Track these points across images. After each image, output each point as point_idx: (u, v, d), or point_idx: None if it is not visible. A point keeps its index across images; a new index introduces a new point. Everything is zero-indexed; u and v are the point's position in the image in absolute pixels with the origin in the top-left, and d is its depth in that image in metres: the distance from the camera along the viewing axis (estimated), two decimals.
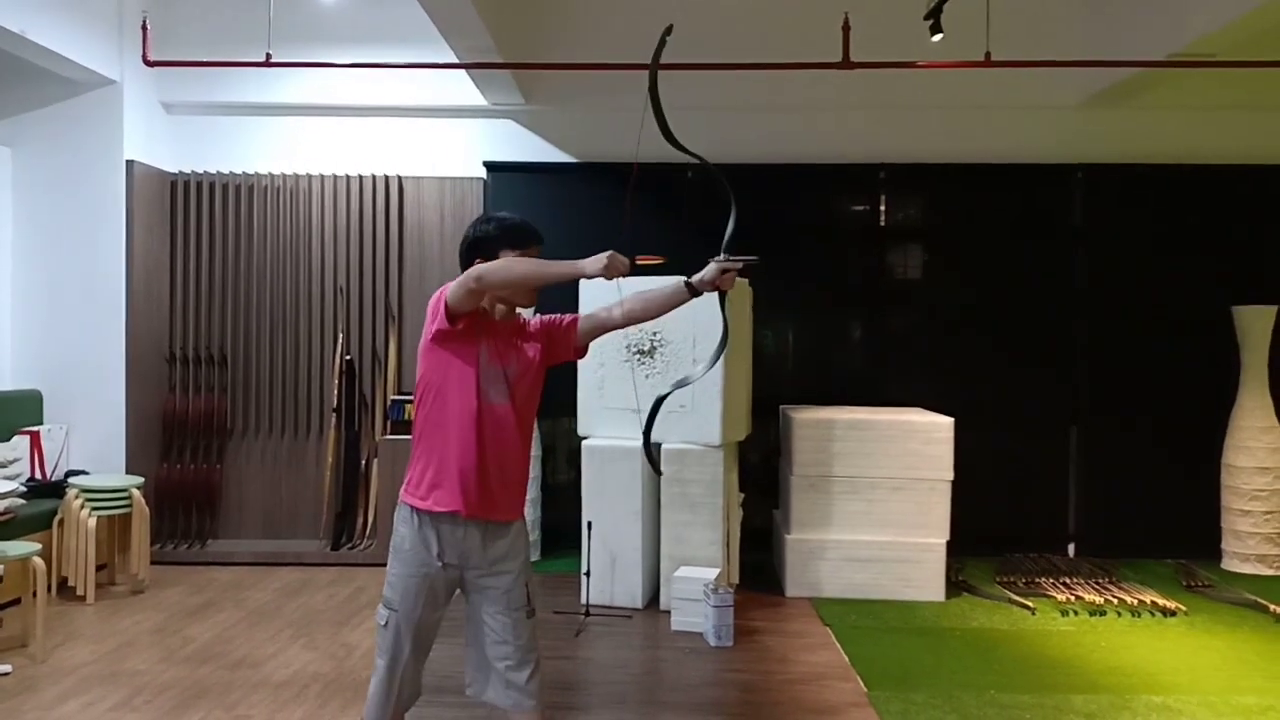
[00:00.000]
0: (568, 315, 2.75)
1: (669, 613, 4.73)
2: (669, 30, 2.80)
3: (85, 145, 5.85)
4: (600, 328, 2.74)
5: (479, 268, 2.51)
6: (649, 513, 5.05)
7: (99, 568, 5.24)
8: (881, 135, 6.25)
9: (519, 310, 2.76)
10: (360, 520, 6.14)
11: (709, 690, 3.94)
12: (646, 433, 3.02)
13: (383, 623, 2.63)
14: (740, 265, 2.67)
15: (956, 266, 6.30)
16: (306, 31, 6.01)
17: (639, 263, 2.60)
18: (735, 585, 5.06)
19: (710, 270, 2.65)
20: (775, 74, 5.83)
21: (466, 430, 2.58)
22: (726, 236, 2.76)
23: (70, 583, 5.08)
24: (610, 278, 2.47)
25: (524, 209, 5.68)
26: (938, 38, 5.08)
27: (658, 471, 3.05)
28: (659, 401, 2.97)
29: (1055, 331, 6.23)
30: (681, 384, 3.03)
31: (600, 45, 5.96)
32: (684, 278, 2.67)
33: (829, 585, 5.17)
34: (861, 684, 3.93)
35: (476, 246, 2.65)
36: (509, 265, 2.52)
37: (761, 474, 6.13)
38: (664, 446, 4.97)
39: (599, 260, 2.44)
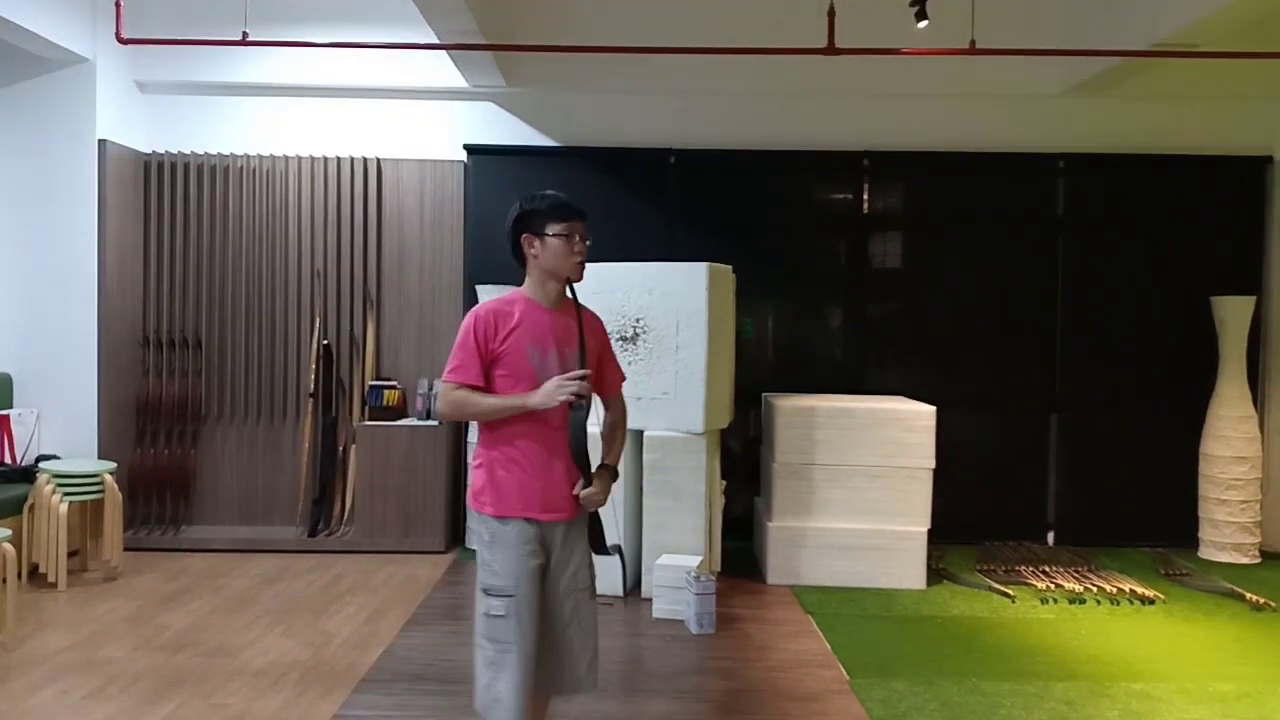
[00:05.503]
0: (616, 378, 2.92)
1: (651, 600, 4.72)
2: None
3: (56, 124, 5.72)
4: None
5: (441, 402, 2.67)
6: (631, 500, 5.02)
7: (71, 554, 5.16)
8: (865, 122, 6.22)
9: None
10: (338, 507, 6.08)
11: (690, 678, 3.93)
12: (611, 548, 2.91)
13: (501, 613, 2.55)
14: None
15: (939, 255, 6.30)
16: (284, 10, 5.90)
17: None
18: (717, 573, 5.05)
19: (594, 494, 2.69)
20: (759, 59, 5.80)
21: (526, 433, 2.64)
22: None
23: (41, 569, 5.00)
24: (557, 403, 2.58)
25: (504, 192, 5.68)
26: (923, 25, 5.06)
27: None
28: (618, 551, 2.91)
29: (1036, 320, 6.24)
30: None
31: (581, 28, 5.91)
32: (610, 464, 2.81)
33: (810, 573, 5.17)
34: (843, 671, 3.94)
35: (522, 220, 2.68)
36: (462, 406, 2.63)
37: (743, 462, 6.13)
38: (645, 433, 4.96)
39: (544, 392, 2.58)
